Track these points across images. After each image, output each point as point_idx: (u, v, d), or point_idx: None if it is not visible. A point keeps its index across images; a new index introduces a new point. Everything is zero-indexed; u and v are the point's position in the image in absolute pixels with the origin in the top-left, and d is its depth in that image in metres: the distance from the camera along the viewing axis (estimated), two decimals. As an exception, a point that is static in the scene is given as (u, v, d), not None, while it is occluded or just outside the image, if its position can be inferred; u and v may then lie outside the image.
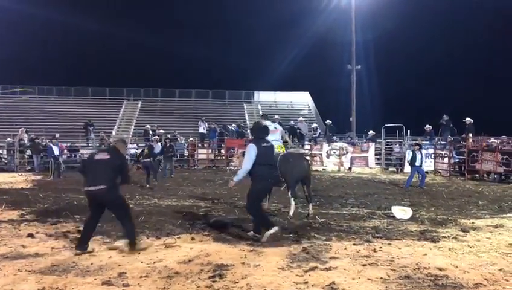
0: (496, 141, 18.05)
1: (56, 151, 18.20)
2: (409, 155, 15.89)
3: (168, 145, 18.35)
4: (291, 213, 8.45)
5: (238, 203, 10.36)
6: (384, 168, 22.48)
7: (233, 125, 26.47)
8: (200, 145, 25.08)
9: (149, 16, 50.64)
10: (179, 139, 24.82)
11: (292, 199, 8.57)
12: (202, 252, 5.81)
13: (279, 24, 43.06)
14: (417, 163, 14.56)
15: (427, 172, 20.38)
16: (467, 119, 20.19)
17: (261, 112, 37.98)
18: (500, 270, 4.99)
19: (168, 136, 24.29)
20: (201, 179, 16.83)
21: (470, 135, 19.45)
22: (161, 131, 25.31)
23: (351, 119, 28.76)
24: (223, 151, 24.22)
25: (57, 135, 24.52)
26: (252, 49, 47.58)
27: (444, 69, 38.24)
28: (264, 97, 41.09)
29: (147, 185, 14.20)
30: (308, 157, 12.06)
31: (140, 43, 45.19)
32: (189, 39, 48.15)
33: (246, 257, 5.56)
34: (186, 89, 40.62)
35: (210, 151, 24.91)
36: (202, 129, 26.06)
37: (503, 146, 17.44)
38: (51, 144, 18.75)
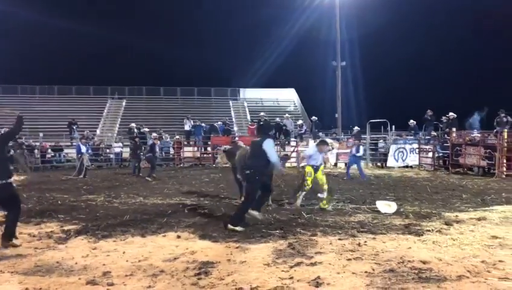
0: (478, 135, 18.28)
1: (83, 149, 18.18)
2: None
3: (138, 143, 18.84)
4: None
5: (224, 200, 10.36)
6: (371, 164, 22.64)
7: (219, 122, 26.40)
8: (185, 143, 24.99)
9: (132, 14, 50.31)
10: (164, 137, 24.67)
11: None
12: (188, 250, 5.79)
13: (265, 21, 43.07)
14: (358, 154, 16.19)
15: (411, 166, 20.67)
16: (450, 114, 20.46)
17: (247, 109, 38.06)
18: (483, 262, 5.06)
19: (146, 129, 24.29)
20: (187, 177, 16.78)
21: (454, 129, 19.69)
22: (146, 129, 25.15)
23: (336, 115, 28.89)
24: (209, 148, 24.15)
25: (41, 135, 24.33)
26: (237, 46, 47.53)
27: (427, 65, 38.64)
28: (250, 94, 41.04)
29: (147, 178, 15.71)
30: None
31: (124, 42, 44.86)
32: (174, 37, 47.83)
33: (231, 254, 5.56)
34: (171, 87, 40.40)
35: (196, 149, 24.83)
36: (188, 127, 25.97)
37: (486, 140, 17.67)
38: (79, 143, 18.70)
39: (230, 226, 6.94)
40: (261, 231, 6.78)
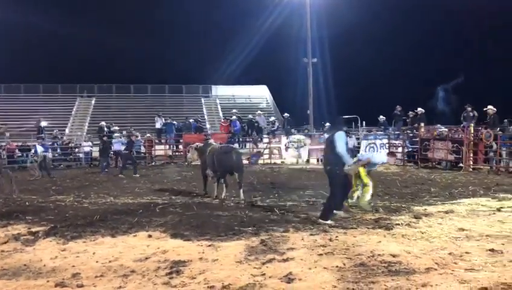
0: (446, 130, 18.71)
1: (39, 150, 17.75)
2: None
3: (107, 142, 18.97)
4: (223, 195, 10.08)
5: (197, 198, 10.31)
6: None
7: (191, 119, 26.21)
8: (157, 141, 24.73)
9: (100, 11, 49.30)
10: (135, 135, 24.32)
11: (224, 185, 10.31)
12: (159, 249, 5.74)
13: (236, 18, 42.93)
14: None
15: (384, 162, 20.95)
16: (419, 109, 20.86)
17: (219, 106, 37.91)
18: (450, 254, 5.18)
19: (116, 128, 24.03)
20: (158, 176, 16.61)
21: (422, 124, 20.09)
22: (116, 127, 24.77)
23: (308, 112, 29.07)
24: (181, 146, 23.95)
25: (7, 134, 23.65)
26: (209, 43, 47.30)
27: (397, 62, 39.21)
28: (222, 91, 40.88)
29: (120, 175, 16.16)
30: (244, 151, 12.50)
31: (93, 39, 43.88)
32: (144, 34, 47.20)
33: (203, 252, 5.53)
34: (142, 84, 39.88)
35: (168, 147, 24.60)
36: (159, 125, 25.70)
37: (453, 135, 18.10)
38: (36, 144, 18.45)
39: (321, 220, 7.16)
40: (233, 229, 6.79)
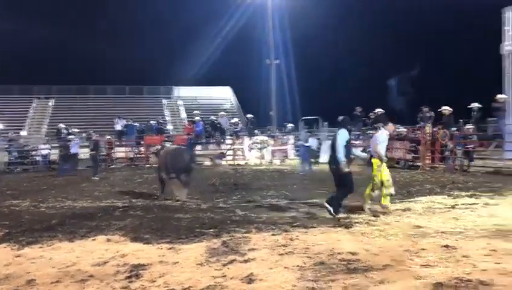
0: (404, 130, 19.19)
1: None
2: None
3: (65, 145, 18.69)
4: (178, 195, 10.08)
5: (158, 201, 10.17)
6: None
7: (151, 121, 25.86)
8: (117, 143, 24.26)
9: (58, 11, 47.90)
10: (94, 137, 23.77)
11: (171, 184, 10.41)
12: (118, 253, 5.64)
13: (199, 18, 42.46)
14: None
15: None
16: (378, 110, 21.29)
17: (182, 108, 37.59)
18: (406, 251, 5.32)
19: (75, 130, 23.51)
20: (119, 179, 16.29)
21: (381, 124, 20.47)
22: (75, 130, 24.14)
23: (271, 113, 29.23)
24: (142, 148, 23.57)
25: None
26: (170, 44, 46.57)
27: (358, 63, 39.95)
28: (184, 92, 40.52)
29: (96, 178, 15.88)
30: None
31: (50, 39, 42.62)
32: (104, 34, 46.11)
33: (164, 255, 5.47)
34: (101, 85, 39.03)
35: (128, 149, 24.18)
36: (119, 127, 25.23)
37: (411, 134, 18.60)
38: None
39: (334, 215, 7.50)
40: (194, 231, 6.74)
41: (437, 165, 16.73)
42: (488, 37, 21.53)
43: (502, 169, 14.38)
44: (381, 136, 8.38)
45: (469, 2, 28.70)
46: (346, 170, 7.73)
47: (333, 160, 7.86)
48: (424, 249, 5.36)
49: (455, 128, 17.05)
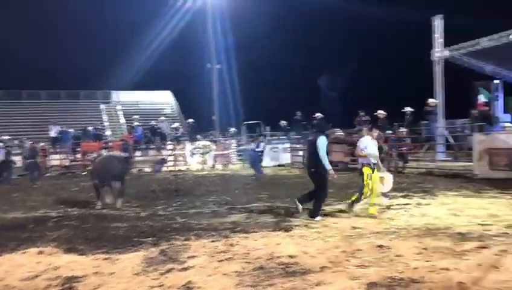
0: (342, 133, 19.71)
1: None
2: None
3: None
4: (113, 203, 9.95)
5: (94, 210, 9.81)
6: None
7: (89, 127, 25.00)
8: (52, 150, 23.22)
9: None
10: (28, 144, 22.65)
11: (99, 192, 10.21)
12: (51, 266, 5.37)
13: (137, 20, 41.45)
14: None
15: (283, 165, 21.61)
16: (318, 114, 21.81)
17: (121, 113, 36.62)
18: (343, 252, 5.45)
19: (6, 137, 22.39)
20: (54, 187, 15.57)
21: (321, 128, 21.00)
22: (5, 137, 22.86)
23: (213, 117, 29.15)
24: (78, 156, 22.70)
25: None
26: (108, 47, 45.19)
27: (298, 68, 40.62)
28: (123, 97, 39.49)
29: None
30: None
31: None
32: (37, 36, 44.07)
33: (99, 266, 5.28)
34: (34, 90, 37.23)
35: (64, 156, 23.20)
36: (53, 133, 24.17)
37: (349, 137, 19.14)
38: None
39: (310, 219, 7.66)
40: (132, 240, 6.57)
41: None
42: (421, 44, 22.62)
43: (434, 170, 15.10)
44: (363, 142, 8.33)
45: (405, 10, 30.02)
46: (336, 176, 8.03)
47: (312, 165, 8.03)
48: (360, 250, 5.51)
49: (390, 131, 17.74)
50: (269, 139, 23.61)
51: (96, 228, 7.64)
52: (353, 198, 8.26)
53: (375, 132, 8.64)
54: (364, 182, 8.00)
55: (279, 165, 21.74)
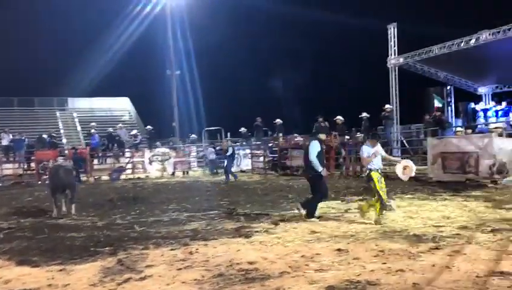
0: (301, 139, 20.00)
1: None
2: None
3: None
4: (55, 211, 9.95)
5: (50, 220, 9.49)
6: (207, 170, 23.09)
7: (43, 135, 24.23)
8: (4, 159, 22.36)
9: None
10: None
11: (53, 201, 10.12)
12: (1, 279, 5.16)
13: (94, 27, 40.48)
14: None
15: (245, 171, 21.66)
16: (277, 120, 22.03)
17: (77, 120, 35.69)
18: (302, 256, 5.49)
19: None
20: (6, 198, 14.95)
21: (281, 134, 21.24)
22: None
23: (174, 124, 28.89)
24: (33, 164, 21.94)
25: None
26: (64, 52, 43.93)
27: (257, 74, 40.88)
28: (79, 104, 38.54)
29: None
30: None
31: None
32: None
33: (53, 278, 5.10)
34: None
35: (17, 165, 22.38)
36: (6, 142, 23.30)
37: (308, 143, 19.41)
38: None
39: (307, 219, 8.00)
40: (88, 250, 6.38)
41: (333, 172, 17.58)
42: (378, 51, 23.27)
43: (389, 174, 15.45)
44: (365, 150, 8.04)
45: (364, 18, 30.78)
46: (326, 174, 8.58)
47: (308, 169, 8.47)
48: (318, 254, 5.57)
49: (348, 137, 18.12)
50: (229, 145, 23.58)
51: (51, 239, 7.39)
52: (377, 210, 7.65)
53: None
54: (377, 187, 7.67)
55: (240, 171, 21.76)
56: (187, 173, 22.78)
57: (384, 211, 7.81)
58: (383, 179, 7.84)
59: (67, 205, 10.18)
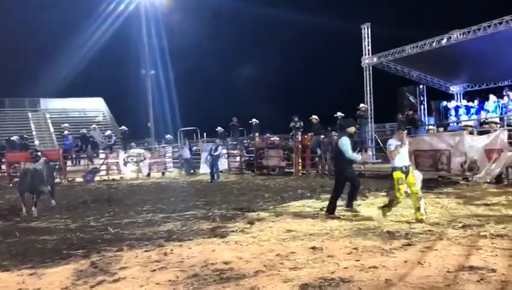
0: (277, 138, 20.06)
1: None
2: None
3: None
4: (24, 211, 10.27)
5: (21, 223, 9.28)
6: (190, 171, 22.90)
7: (14, 137, 23.65)
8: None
9: None
10: None
11: (22, 203, 10.46)
12: (-31, 286, 5.03)
13: (66, 26, 39.72)
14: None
15: (222, 171, 21.55)
16: (253, 120, 22.04)
17: (49, 121, 34.99)
18: (277, 255, 5.51)
19: None
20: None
21: (257, 134, 21.26)
22: None
23: (149, 124, 28.59)
24: (3, 167, 21.39)
25: None
26: (36, 52, 43.03)
27: (234, 74, 40.91)
28: (52, 105, 37.77)
29: None
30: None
31: None
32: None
33: (24, 282, 5.00)
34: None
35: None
36: (-25, 144, 22.69)
37: (284, 143, 19.49)
38: None
39: (327, 213, 8.28)
40: (61, 253, 6.28)
41: (309, 171, 17.71)
42: (353, 50, 23.52)
43: (364, 172, 15.66)
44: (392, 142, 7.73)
45: (339, 18, 31.07)
46: (360, 158, 8.86)
47: (342, 166, 8.59)
48: (293, 252, 5.60)
49: (323, 136, 18.22)
50: (205, 145, 23.50)
51: (22, 242, 7.23)
52: (385, 206, 7.74)
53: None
54: (395, 187, 7.51)
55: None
56: (163, 173, 22.58)
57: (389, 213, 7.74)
58: (410, 175, 7.50)
59: (48, 198, 10.85)
